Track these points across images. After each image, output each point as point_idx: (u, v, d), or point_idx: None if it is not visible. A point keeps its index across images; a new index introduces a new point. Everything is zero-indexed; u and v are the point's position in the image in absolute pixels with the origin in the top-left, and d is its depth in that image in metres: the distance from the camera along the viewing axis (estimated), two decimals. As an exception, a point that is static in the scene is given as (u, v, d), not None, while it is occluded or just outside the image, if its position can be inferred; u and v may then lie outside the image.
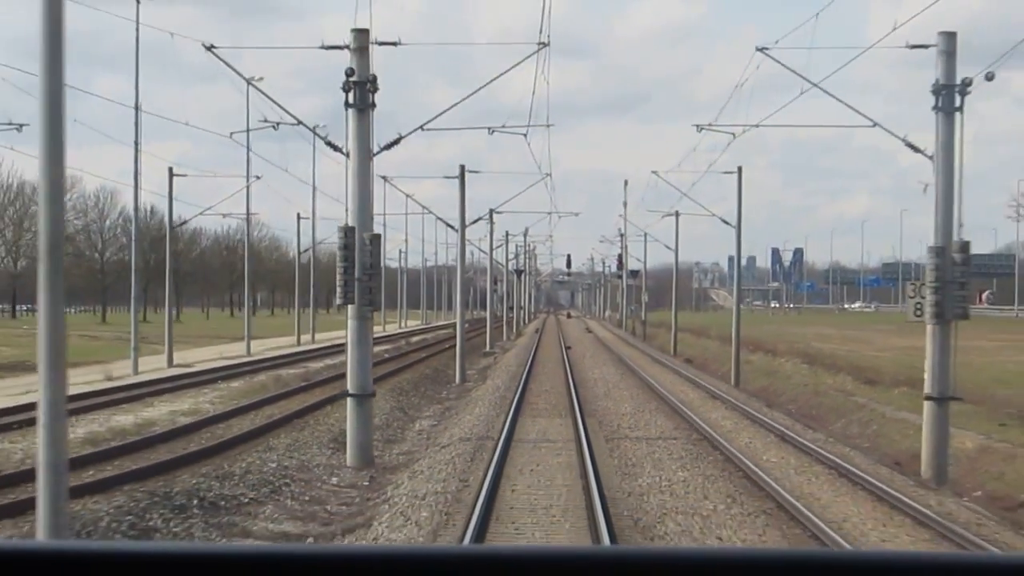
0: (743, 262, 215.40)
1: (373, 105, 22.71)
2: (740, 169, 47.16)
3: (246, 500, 18.36)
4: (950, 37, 22.59)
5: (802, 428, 28.31)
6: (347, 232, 22.12)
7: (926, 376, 22.95)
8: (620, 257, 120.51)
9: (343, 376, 37.99)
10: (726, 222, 49.03)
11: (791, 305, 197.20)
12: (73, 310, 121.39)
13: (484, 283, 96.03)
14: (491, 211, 62.04)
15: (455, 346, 44.44)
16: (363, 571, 1.77)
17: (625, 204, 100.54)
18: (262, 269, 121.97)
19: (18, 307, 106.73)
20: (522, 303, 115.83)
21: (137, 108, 41.47)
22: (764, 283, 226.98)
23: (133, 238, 47.48)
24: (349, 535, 16.14)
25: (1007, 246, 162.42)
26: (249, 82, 26.49)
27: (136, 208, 46.76)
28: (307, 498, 19.27)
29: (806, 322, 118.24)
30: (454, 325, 50.54)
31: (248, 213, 58.40)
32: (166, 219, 51.06)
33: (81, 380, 37.58)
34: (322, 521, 17.62)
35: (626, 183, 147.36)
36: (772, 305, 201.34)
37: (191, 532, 16.08)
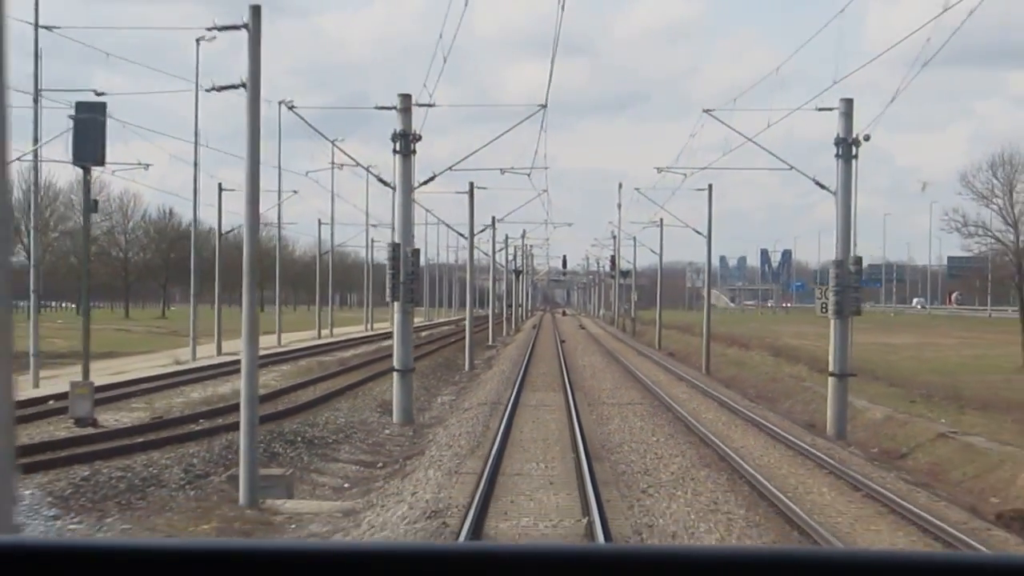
0: (733, 263, 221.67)
1: (414, 152, 30.45)
2: (710, 187, 52.86)
3: (331, 441, 26.13)
4: (848, 103, 30.33)
5: (745, 401, 36.11)
6: (395, 248, 29.90)
7: (830, 358, 30.76)
8: (612, 259, 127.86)
9: (372, 362, 45.82)
10: (699, 232, 54.17)
11: (785, 304, 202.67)
12: (93, 306, 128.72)
13: (483, 282, 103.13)
14: (493, 219, 69.94)
15: (460, 340, 52.17)
16: (364, 569, 1.80)
17: (619, 206, 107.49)
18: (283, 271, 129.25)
19: (43, 303, 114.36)
20: (520, 301, 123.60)
21: (196, 135, 49.15)
22: (755, 282, 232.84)
23: (191, 248, 55.19)
24: (410, 460, 23.85)
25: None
26: (333, 143, 34.67)
27: (194, 221, 54.58)
28: (371, 442, 27.03)
29: (790, 321, 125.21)
30: (454, 322, 57.92)
31: (280, 225, 66.52)
32: (216, 227, 58.70)
33: (157, 364, 45.33)
34: (386, 455, 25.33)
35: (620, 185, 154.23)
36: (767, 304, 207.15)
37: (302, 457, 23.80)
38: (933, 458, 27.27)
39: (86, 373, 26.50)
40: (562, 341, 73.00)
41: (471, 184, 53.47)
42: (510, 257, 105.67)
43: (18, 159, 35.18)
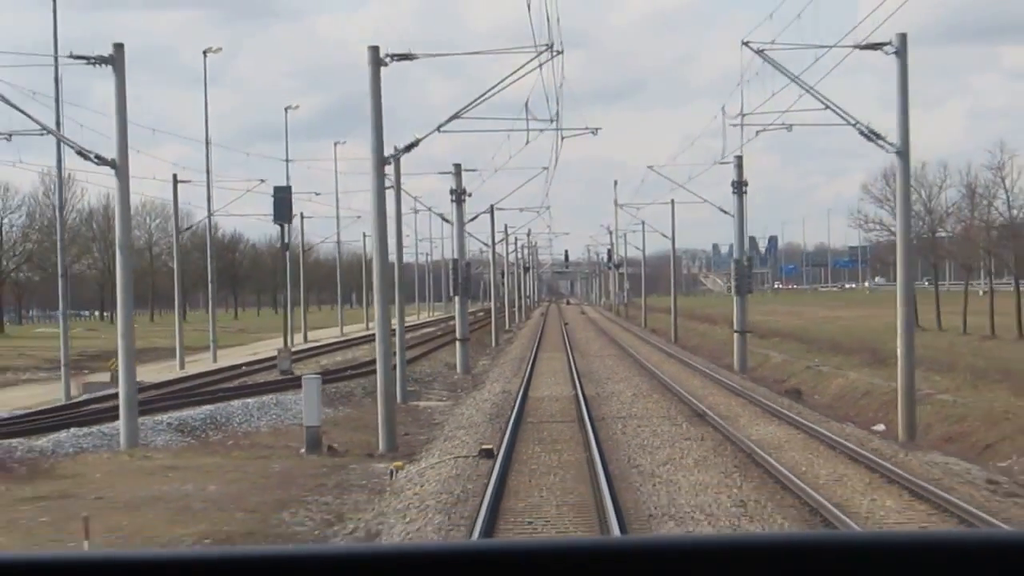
0: (725, 250, 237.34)
1: (464, 200, 48.58)
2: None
3: (425, 382, 44.31)
4: (738, 159, 48.34)
5: (690, 355, 54.32)
6: (455, 262, 48.18)
7: (734, 320, 48.87)
8: (609, 252, 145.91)
9: (424, 343, 63.93)
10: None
11: (777, 285, 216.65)
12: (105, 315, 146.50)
13: (488, 277, 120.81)
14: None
15: (482, 327, 70.31)
16: (366, 571, 1.81)
17: (616, 203, 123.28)
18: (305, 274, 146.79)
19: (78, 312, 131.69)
20: (528, 293, 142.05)
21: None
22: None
23: (286, 257, 73.28)
24: (476, 388, 41.92)
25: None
26: (416, 200, 52.78)
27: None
28: (448, 382, 45.18)
29: (770, 301, 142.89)
30: (471, 313, 75.96)
31: (303, 239, 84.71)
32: (300, 240, 76.83)
33: (264, 348, 63.43)
34: (462, 389, 43.45)
35: (616, 183, 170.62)
36: (765, 286, 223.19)
37: (417, 387, 41.98)
38: (797, 379, 45.30)
39: (285, 343, 44.83)
40: (565, 323, 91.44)
41: (491, 206, 71.51)
42: (514, 250, 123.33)
43: (214, 214, 53.55)
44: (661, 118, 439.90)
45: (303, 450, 24.17)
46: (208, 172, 52.33)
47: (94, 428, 26.11)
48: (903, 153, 27.67)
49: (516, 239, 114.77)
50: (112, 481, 20.52)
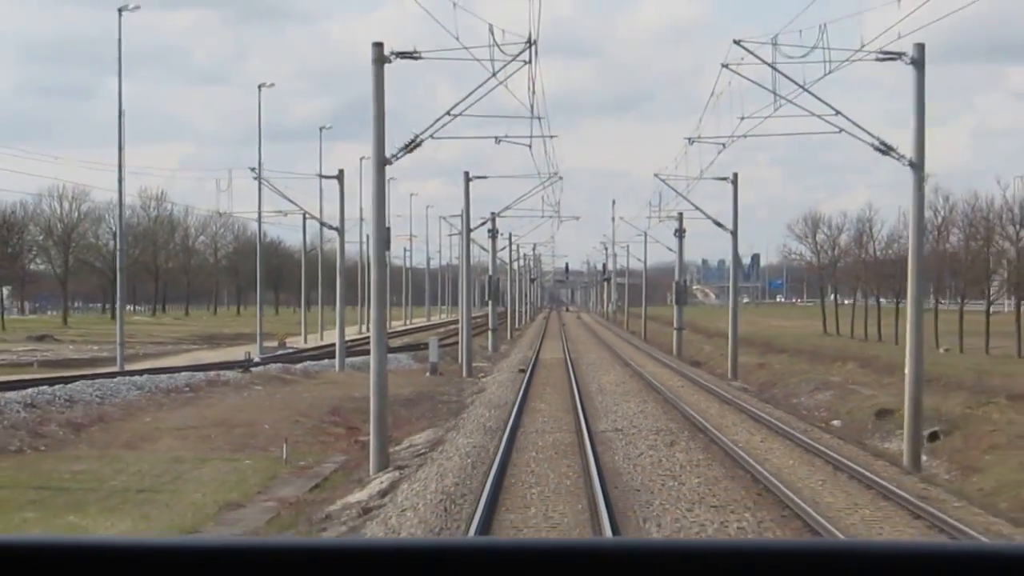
0: (714, 264, 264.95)
1: (496, 236, 73.97)
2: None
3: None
4: (680, 221, 73.66)
5: (653, 349, 79.82)
6: (490, 278, 73.76)
7: (674, 321, 74.31)
8: (604, 266, 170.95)
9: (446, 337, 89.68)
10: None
11: (760, 300, 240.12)
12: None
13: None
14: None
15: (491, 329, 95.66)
16: (362, 565, 1.85)
17: (613, 219, 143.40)
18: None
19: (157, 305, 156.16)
20: (532, 300, 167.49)
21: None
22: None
23: (339, 255, 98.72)
24: (503, 358, 67.27)
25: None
26: (495, 250, 78.03)
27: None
28: (485, 356, 70.59)
29: (742, 313, 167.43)
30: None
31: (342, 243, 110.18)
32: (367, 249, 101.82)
33: (328, 336, 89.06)
34: (491, 359, 68.72)
35: (614, 202, 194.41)
36: (744, 300, 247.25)
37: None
38: (704, 357, 70.64)
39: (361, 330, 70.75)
40: (563, 324, 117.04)
41: (493, 213, 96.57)
42: (517, 260, 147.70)
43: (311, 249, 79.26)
44: (667, 130, 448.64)
45: (428, 373, 49.91)
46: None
47: (318, 362, 52.01)
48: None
49: (519, 247, 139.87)
50: (351, 379, 46.28)
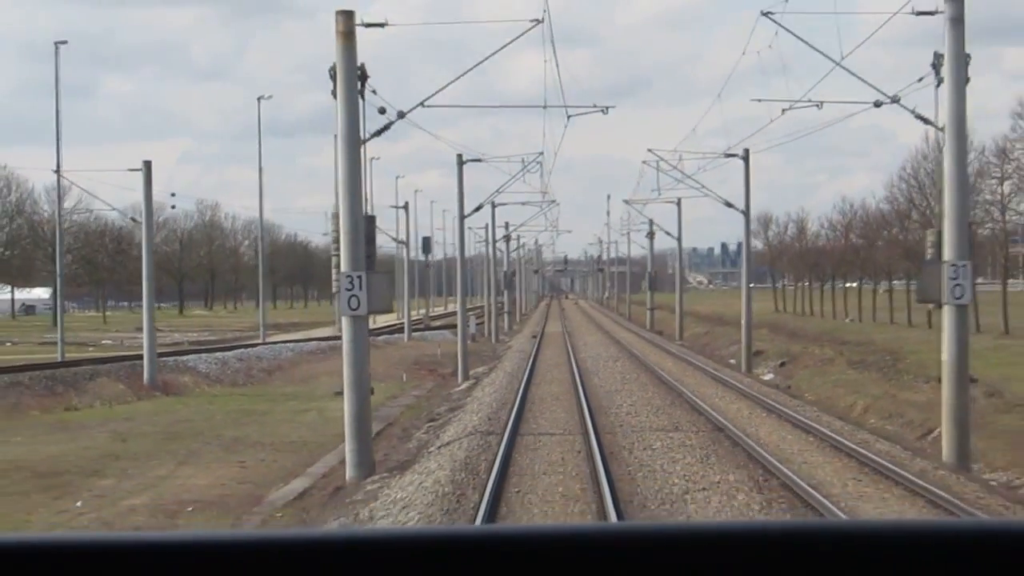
0: (704, 251, 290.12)
1: (510, 239, 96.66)
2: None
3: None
4: (652, 230, 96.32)
5: (638, 328, 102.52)
6: (505, 273, 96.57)
7: (647, 303, 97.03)
8: (599, 257, 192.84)
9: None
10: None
11: (753, 285, 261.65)
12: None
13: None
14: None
15: (507, 312, 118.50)
16: (357, 558, 1.86)
17: (608, 213, 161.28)
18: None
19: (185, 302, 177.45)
20: (535, 289, 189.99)
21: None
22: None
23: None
24: (518, 333, 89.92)
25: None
26: (509, 251, 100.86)
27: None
28: (503, 331, 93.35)
29: (721, 296, 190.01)
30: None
31: (408, 252, 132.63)
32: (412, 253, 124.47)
33: (388, 320, 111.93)
34: (511, 333, 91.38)
35: (608, 196, 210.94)
36: (733, 285, 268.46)
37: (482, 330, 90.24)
38: (669, 328, 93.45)
39: (407, 315, 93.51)
40: (562, 310, 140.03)
41: (507, 230, 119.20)
42: (517, 249, 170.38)
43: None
44: (665, 116, 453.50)
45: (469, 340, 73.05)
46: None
47: (392, 335, 75.04)
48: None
49: (519, 237, 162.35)
50: (418, 345, 69.33)
